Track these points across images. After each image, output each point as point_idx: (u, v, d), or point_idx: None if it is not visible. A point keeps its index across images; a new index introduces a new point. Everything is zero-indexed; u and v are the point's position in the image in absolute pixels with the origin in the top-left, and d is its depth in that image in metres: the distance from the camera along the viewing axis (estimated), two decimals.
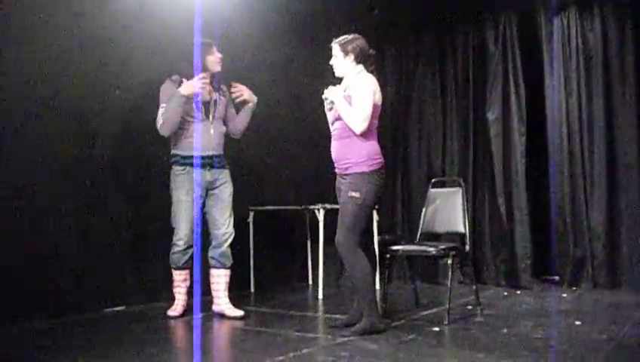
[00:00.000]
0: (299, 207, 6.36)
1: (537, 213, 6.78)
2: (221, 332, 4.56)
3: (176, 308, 4.91)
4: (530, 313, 5.00)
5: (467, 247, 5.05)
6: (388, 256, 4.94)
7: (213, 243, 4.97)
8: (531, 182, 6.68)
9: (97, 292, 5.10)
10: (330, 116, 4.48)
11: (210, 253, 4.96)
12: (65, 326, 4.54)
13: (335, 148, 4.38)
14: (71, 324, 4.58)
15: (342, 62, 4.37)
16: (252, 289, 6.43)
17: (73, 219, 4.98)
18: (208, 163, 4.89)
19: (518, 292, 6.21)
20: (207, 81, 4.80)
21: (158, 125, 4.79)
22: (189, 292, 4.96)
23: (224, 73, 5.09)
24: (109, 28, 5.20)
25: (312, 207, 6.12)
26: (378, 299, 4.42)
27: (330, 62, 4.45)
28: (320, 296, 5.96)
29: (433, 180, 5.70)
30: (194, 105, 4.83)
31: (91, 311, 4.98)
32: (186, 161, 4.84)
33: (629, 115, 6.19)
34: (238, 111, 5.21)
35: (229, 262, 4.99)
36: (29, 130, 4.71)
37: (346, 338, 4.02)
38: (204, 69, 4.87)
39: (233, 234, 5.02)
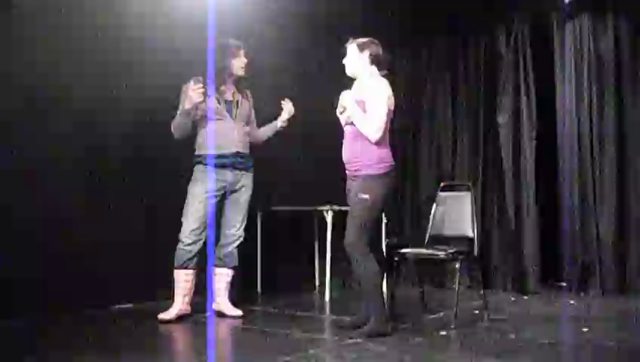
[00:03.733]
0: (307, 208, 6.36)
1: (546, 219, 6.77)
2: (228, 332, 4.57)
3: (169, 312, 4.70)
4: (537, 318, 4.99)
5: (475, 251, 5.04)
6: (396, 258, 4.94)
7: (221, 241, 4.98)
8: (541, 188, 6.67)
9: (105, 289, 5.11)
10: (342, 119, 4.49)
11: (217, 252, 4.97)
12: (71, 322, 4.56)
13: (346, 150, 4.38)
14: (78, 321, 4.61)
15: (356, 61, 4.37)
16: (259, 290, 6.44)
17: (82, 216, 5.00)
18: (232, 162, 4.87)
19: (526, 297, 6.20)
20: (202, 86, 4.62)
21: (172, 129, 4.83)
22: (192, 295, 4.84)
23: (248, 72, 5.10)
24: (119, 28, 5.23)
25: (320, 208, 6.12)
26: (385, 301, 4.42)
27: (344, 62, 4.45)
28: (327, 297, 5.97)
29: (442, 184, 5.69)
30: (216, 105, 4.83)
31: (99, 308, 5.01)
32: (208, 161, 4.81)
33: None
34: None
35: (233, 263, 4.99)
36: (39, 129, 4.75)
37: (352, 340, 4.02)
38: (229, 71, 4.89)
39: (243, 238, 5.04)
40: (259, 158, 6.53)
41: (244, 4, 6.00)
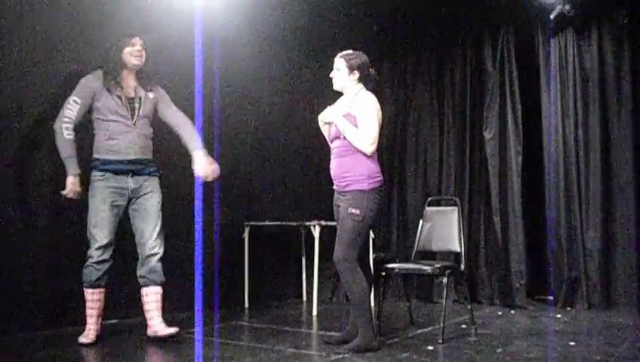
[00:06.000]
0: (294, 223, 6.36)
1: (533, 233, 6.81)
2: (215, 347, 4.54)
3: (87, 334, 4.36)
4: (524, 333, 5.00)
5: (462, 266, 5.06)
6: (383, 273, 4.94)
7: (140, 258, 4.58)
8: (527, 202, 6.70)
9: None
10: (328, 134, 4.49)
11: (139, 271, 4.58)
12: (59, 337, 4.52)
13: (335, 166, 4.37)
14: (66, 335, 4.56)
15: (345, 77, 4.37)
16: (247, 305, 6.42)
17: (68, 230, 4.94)
18: (131, 169, 4.50)
19: (513, 311, 6.21)
20: (77, 189, 4.38)
21: (56, 127, 4.40)
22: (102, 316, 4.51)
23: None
24: (110, 38, 5.21)
25: (307, 223, 6.11)
26: (373, 316, 4.40)
27: (331, 75, 4.45)
28: (314, 312, 5.95)
29: (429, 199, 5.71)
30: (114, 101, 4.46)
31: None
32: (105, 167, 4.44)
33: (625, 136, 6.21)
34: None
35: (159, 279, 4.58)
36: (31, 138, 4.71)
37: (340, 356, 4.01)
38: (122, 64, 4.53)
39: (162, 251, 4.61)
40: (246, 173, 6.58)
41: (230, 16, 6.01)
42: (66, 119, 4.38)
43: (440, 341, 4.50)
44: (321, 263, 6.00)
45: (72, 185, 4.39)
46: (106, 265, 4.41)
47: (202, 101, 5.59)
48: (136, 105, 4.56)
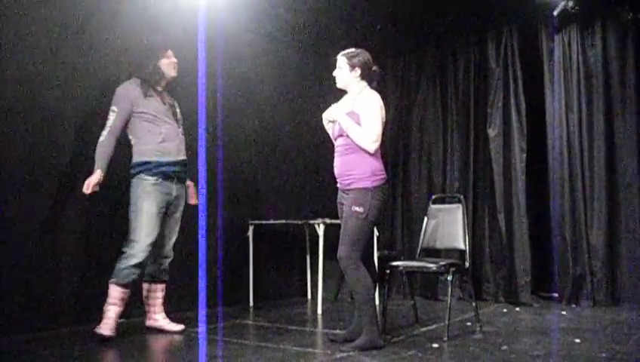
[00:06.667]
0: (299, 222, 6.36)
1: (537, 230, 6.80)
2: (220, 346, 4.55)
3: (108, 327, 4.42)
4: (529, 330, 4.99)
5: (467, 264, 5.05)
6: (388, 271, 4.94)
7: (152, 256, 4.71)
8: (531, 199, 6.69)
9: (95, 305, 5.06)
10: (331, 132, 4.49)
11: (150, 269, 4.77)
12: (63, 337, 4.53)
13: (338, 164, 4.36)
14: (69, 336, 4.57)
15: (347, 75, 4.37)
16: (251, 303, 6.42)
17: (73, 232, 4.97)
18: (177, 172, 4.70)
19: (518, 309, 6.20)
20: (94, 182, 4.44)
21: (101, 137, 4.53)
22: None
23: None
24: (113, 39, 5.22)
25: (312, 221, 6.11)
26: (378, 314, 4.40)
27: (334, 74, 4.45)
28: (319, 310, 5.95)
29: (434, 196, 5.70)
30: (161, 106, 4.66)
31: (89, 323, 4.97)
32: (158, 170, 4.59)
33: (629, 132, 6.20)
34: None
35: (165, 277, 4.86)
36: (30, 138, 4.71)
37: (345, 354, 4.01)
38: (160, 73, 4.71)
39: (172, 254, 4.86)
40: (250, 172, 6.58)
41: (233, 15, 6.01)
42: (106, 128, 4.55)
43: (445, 338, 4.49)
44: (326, 261, 6.00)
45: (95, 178, 4.43)
46: (140, 270, 4.55)
47: (206, 100, 5.60)
48: (173, 110, 4.82)
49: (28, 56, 4.68)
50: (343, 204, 4.36)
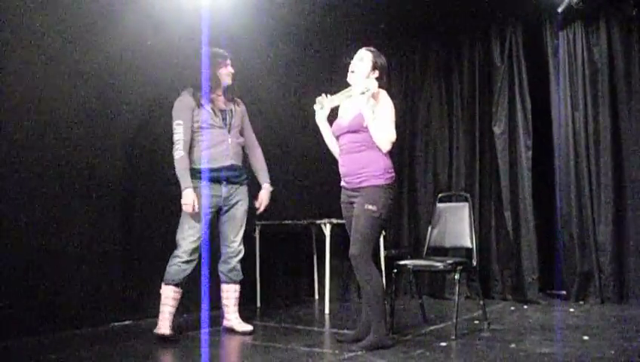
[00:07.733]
0: (305, 222, 6.36)
1: (544, 227, 6.79)
2: (229, 347, 4.56)
3: (163, 327, 4.61)
4: (537, 328, 4.98)
5: (474, 262, 5.04)
6: (395, 270, 4.94)
7: (222, 258, 4.96)
8: (538, 196, 6.68)
9: (105, 306, 5.09)
10: (325, 125, 4.49)
11: (220, 268, 4.96)
12: (72, 339, 4.54)
13: (346, 162, 4.33)
14: (78, 338, 4.59)
15: (367, 72, 4.35)
16: (258, 304, 6.43)
17: (81, 232, 4.98)
18: (226, 176, 4.81)
19: (526, 306, 6.20)
20: (190, 201, 4.62)
21: (175, 154, 4.68)
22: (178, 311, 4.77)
23: (241, 85, 5.10)
24: (117, 40, 5.23)
25: (318, 221, 6.11)
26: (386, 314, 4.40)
27: (354, 65, 4.38)
28: (327, 310, 5.96)
29: (440, 195, 5.70)
30: (208, 113, 4.76)
31: (99, 325, 4.99)
32: (203, 175, 4.72)
33: (636, 128, 6.19)
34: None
35: (238, 277, 4.98)
36: (38, 140, 4.72)
37: (353, 354, 4.01)
38: (216, 81, 4.84)
39: (243, 251, 5.00)
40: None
41: (236, 14, 6.01)
42: (176, 145, 4.68)
43: (453, 337, 4.50)
44: (333, 261, 6.00)
45: (186, 198, 4.61)
46: (189, 268, 4.69)
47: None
48: (228, 115, 4.90)
49: (30, 56, 4.69)
50: (350, 203, 4.34)
